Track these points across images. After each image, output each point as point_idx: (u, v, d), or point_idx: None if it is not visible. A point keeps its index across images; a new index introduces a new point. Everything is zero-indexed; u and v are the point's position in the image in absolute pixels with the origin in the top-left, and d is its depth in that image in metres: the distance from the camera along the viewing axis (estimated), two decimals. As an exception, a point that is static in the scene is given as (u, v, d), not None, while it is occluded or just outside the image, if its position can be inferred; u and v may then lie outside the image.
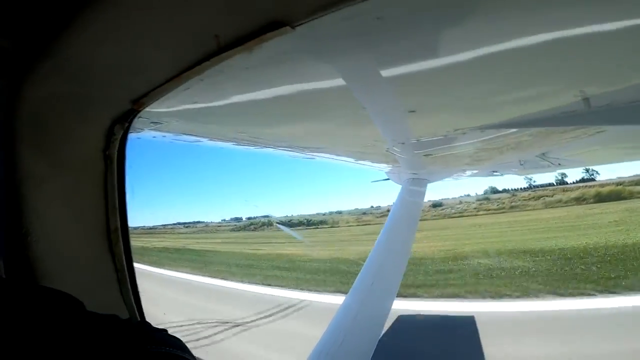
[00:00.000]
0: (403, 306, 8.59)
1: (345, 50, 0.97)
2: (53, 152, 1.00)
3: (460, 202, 25.88)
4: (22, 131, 0.93)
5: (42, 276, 0.93)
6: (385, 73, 1.14)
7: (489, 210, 24.05)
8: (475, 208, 24.97)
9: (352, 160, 3.19)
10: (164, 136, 1.80)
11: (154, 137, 1.83)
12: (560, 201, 21.99)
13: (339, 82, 1.18)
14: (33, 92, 0.90)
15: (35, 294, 0.57)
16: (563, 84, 1.37)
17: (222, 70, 0.83)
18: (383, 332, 7.27)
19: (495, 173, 5.08)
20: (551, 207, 21.64)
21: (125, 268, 1.19)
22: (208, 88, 0.95)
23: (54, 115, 0.97)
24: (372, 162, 3.54)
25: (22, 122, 0.92)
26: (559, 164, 4.00)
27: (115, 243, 1.13)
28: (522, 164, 4.08)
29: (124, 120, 1.05)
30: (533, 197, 23.33)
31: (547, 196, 22.99)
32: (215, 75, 0.84)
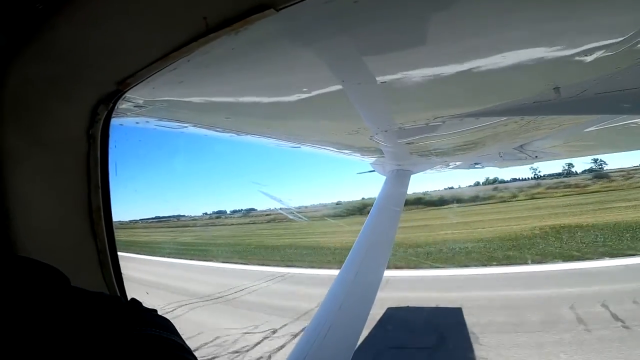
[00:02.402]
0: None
1: (327, 34, 1.00)
2: (35, 132, 0.99)
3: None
4: (4, 112, 0.92)
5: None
6: (367, 58, 1.18)
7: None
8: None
9: (337, 150, 3.22)
10: (147, 122, 1.79)
11: (137, 123, 1.82)
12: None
13: (321, 66, 1.21)
14: (17, 74, 0.90)
15: (18, 264, 0.56)
16: (535, 75, 1.43)
17: (208, 51, 0.85)
18: (373, 324, 7.48)
19: (476, 165, 5.22)
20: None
21: (107, 248, 1.19)
22: (194, 68, 0.96)
23: (38, 96, 0.96)
24: (358, 153, 3.59)
25: (5, 103, 0.92)
26: (536, 157, 4.14)
27: (97, 222, 1.13)
28: (501, 156, 4.21)
29: (109, 101, 1.05)
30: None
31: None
32: (201, 56, 0.86)
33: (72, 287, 0.57)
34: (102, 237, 1.16)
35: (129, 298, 1.32)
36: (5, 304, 0.46)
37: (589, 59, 1.29)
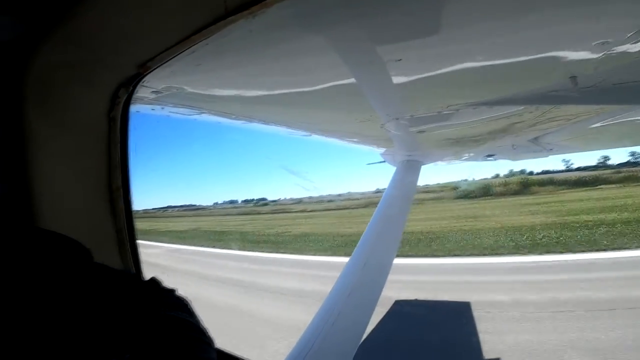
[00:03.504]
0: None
1: (341, 19, 1.00)
2: (58, 114, 1.03)
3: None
4: (29, 95, 0.96)
5: None
6: (380, 44, 1.18)
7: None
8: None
9: (347, 139, 3.23)
10: (163, 108, 1.82)
11: (153, 110, 1.86)
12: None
13: (335, 51, 1.21)
14: (42, 60, 0.93)
15: (45, 237, 0.58)
16: (552, 63, 1.42)
17: (226, 34, 0.87)
18: (381, 317, 7.49)
19: (488, 158, 5.15)
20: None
21: (126, 228, 1.23)
22: (212, 52, 0.98)
23: (61, 80, 1.00)
24: (367, 143, 3.58)
25: (29, 86, 0.95)
26: (551, 149, 4.07)
27: (117, 202, 1.17)
28: (514, 149, 4.15)
29: (129, 85, 1.08)
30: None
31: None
32: (219, 39, 0.87)
33: (95, 263, 0.58)
34: (121, 217, 1.20)
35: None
36: (31, 273, 0.48)
37: (606, 47, 1.27)
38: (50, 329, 0.43)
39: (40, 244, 0.55)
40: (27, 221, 0.96)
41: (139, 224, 1.35)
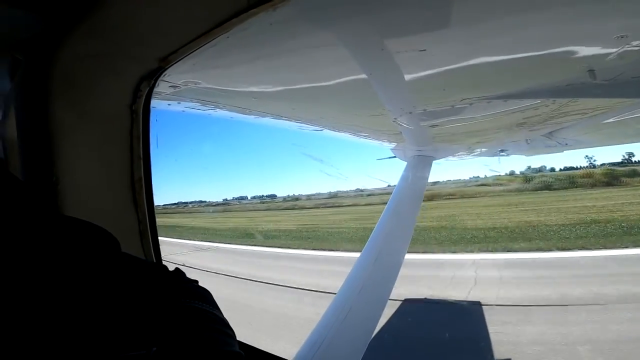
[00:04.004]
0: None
1: (354, 13, 1.01)
2: (83, 107, 1.06)
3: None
4: (54, 87, 0.99)
5: None
6: (393, 38, 1.18)
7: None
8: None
9: (358, 134, 3.23)
10: (179, 103, 1.85)
11: (169, 104, 1.89)
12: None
13: (349, 45, 1.22)
14: (68, 53, 0.96)
15: (74, 225, 0.59)
16: (570, 56, 1.40)
17: (246, 27, 0.88)
18: (390, 315, 7.43)
19: (502, 153, 5.08)
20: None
21: (147, 218, 1.26)
22: (233, 45, 1.00)
23: (86, 73, 1.03)
24: (378, 137, 3.57)
25: (55, 79, 0.98)
26: (566, 144, 4.01)
27: (139, 192, 1.20)
28: (529, 143, 4.09)
29: (151, 78, 1.11)
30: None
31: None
32: (240, 32, 0.89)
33: (123, 252, 0.59)
34: (142, 207, 1.23)
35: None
36: (64, 260, 0.48)
37: (625, 41, 1.25)
38: (79, 318, 0.44)
39: (71, 231, 0.56)
40: (52, 209, 1.00)
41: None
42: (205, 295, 0.59)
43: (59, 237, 0.52)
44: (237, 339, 0.57)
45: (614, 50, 1.29)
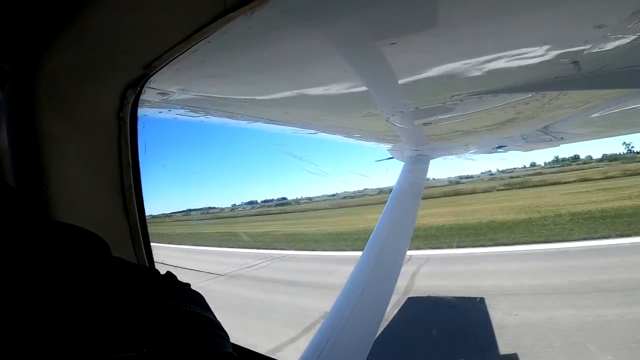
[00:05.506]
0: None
1: (340, 12, 1.02)
2: (70, 115, 1.07)
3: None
4: (41, 97, 1.00)
5: None
6: (379, 36, 1.19)
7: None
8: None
9: (352, 136, 3.23)
10: (169, 110, 1.86)
11: (160, 112, 1.90)
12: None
13: (335, 45, 1.23)
14: (53, 62, 0.97)
15: (64, 230, 0.58)
16: (553, 48, 1.41)
17: (226, 31, 0.89)
18: (393, 314, 7.38)
19: (499, 150, 5.09)
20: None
21: (139, 224, 1.27)
22: (215, 50, 1.01)
23: (72, 82, 1.04)
24: (374, 139, 3.58)
25: (42, 89, 0.99)
26: (562, 138, 4.01)
27: (129, 199, 1.21)
28: (525, 139, 4.09)
29: (136, 85, 1.12)
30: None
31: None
32: (220, 36, 0.90)
33: (114, 256, 0.59)
34: (133, 214, 1.24)
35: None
36: (54, 265, 0.49)
37: (603, 31, 1.25)
38: (71, 321, 0.44)
39: (62, 236, 0.56)
40: (43, 215, 1.00)
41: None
42: (197, 298, 0.59)
43: (50, 241, 0.53)
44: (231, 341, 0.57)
45: (594, 41, 1.29)
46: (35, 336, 0.42)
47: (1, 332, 0.40)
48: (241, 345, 1.23)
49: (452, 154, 4.81)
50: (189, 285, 0.64)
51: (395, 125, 2.41)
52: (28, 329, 0.42)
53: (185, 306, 0.55)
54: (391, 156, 4.79)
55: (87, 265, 0.52)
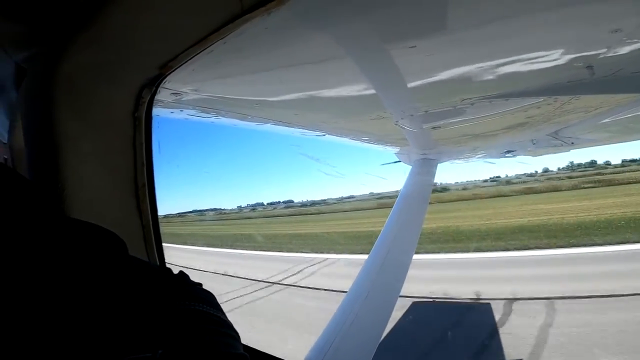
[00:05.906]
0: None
1: (353, 15, 1.03)
2: (87, 114, 1.09)
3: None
4: (59, 96, 1.02)
5: None
6: (391, 39, 1.19)
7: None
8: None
9: (360, 139, 3.24)
10: (182, 111, 1.88)
11: (172, 112, 1.92)
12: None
13: (347, 48, 1.23)
14: (70, 62, 0.99)
15: (82, 227, 0.59)
16: (567, 52, 1.40)
17: (242, 32, 0.90)
18: (398, 318, 7.32)
19: (507, 155, 5.05)
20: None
21: (151, 224, 1.28)
22: (230, 51, 1.02)
23: (88, 81, 1.06)
24: (382, 142, 3.58)
25: (59, 88, 1.01)
26: (572, 143, 3.97)
27: (142, 199, 1.22)
28: (534, 144, 4.06)
29: (152, 85, 1.14)
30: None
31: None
32: (235, 38, 0.91)
33: (130, 255, 0.59)
34: (146, 213, 1.25)
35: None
36: (71, 262, 0.49)
37: (619, 35, 1.24)
38: (86, 318, 0.45)
39: (81, 233, 0.56)
40: (60, 210, 1.02)
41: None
42: (209, 298, 0.59)
43: (67, 237, 0.53)
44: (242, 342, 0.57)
45: (609, 45, 1.28)
46: (49, 334, 0.42)
47: (15, 330, 0.40)
48: (252, 346, 1.23)
49: (459, 158, 4.78)
50: (201, 285, 0.65)
51: (404, 128, 2.40)
52: (41, 326, 0.42)
53: (199, 306, 0.55)
54: (398, 160, 4.78)
55: (105, 263, 0.52)
